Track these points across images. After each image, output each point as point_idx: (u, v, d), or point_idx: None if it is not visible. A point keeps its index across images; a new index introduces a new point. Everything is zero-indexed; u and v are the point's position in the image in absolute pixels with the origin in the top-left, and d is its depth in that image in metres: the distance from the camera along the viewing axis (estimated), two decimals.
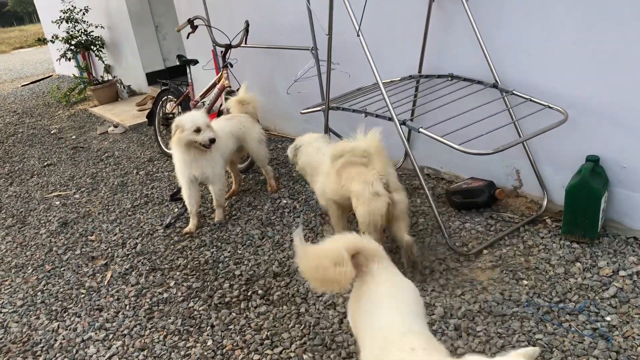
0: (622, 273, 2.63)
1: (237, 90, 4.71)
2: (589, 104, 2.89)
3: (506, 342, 2.33)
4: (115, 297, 3.19)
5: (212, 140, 3.52)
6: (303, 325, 2.67)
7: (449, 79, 3.49)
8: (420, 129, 2.84)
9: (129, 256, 3.63)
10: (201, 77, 6.22)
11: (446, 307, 2.61)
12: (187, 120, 3.51)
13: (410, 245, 2.75)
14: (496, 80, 3.19)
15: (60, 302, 3.24)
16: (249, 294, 3.00)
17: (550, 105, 2.92)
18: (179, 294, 3.11)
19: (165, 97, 5.53)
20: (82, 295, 3.27)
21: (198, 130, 3.49)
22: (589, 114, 2.91)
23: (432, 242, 3.16)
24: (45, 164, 6.06)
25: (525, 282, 2.70)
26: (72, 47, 8.84)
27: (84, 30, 8.86)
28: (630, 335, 2.26)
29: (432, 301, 2.67)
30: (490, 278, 2.77)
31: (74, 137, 7.08)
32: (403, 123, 2.94)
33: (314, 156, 3.16)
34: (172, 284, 3.23)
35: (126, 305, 3.09)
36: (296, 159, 3.30)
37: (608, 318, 2.37)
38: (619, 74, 2.72)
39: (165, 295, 3.12)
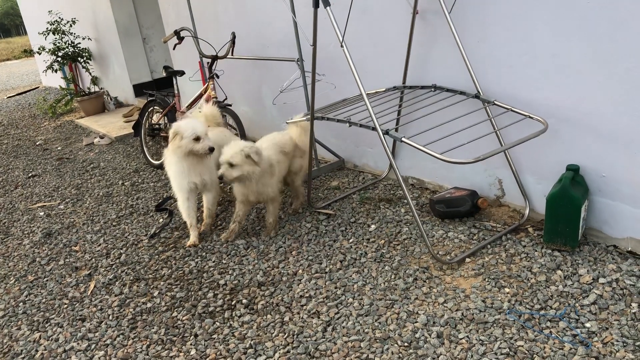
0: (601, 280, 2.66)
1: (224, 100, 4.73)
2: (569, 114, 2.95)
3: (488, 350, 2.35)
4: (99, 307, 3.17)
5: (212, 149, 3.48)
6: (287, 334, 2.67)
7: (433, 89, 3.54)
8: (403, 139, 2.87)
9: (113, 266, 3.61)
10: (188, 89, 6.25)
11: (429, 315, 2.62)
12: (187, 128, 3.44)
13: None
14: (478, 91, 3.24)
15: (42, 313, 3.21)
16: (233, 303, 2.99)
17: (531, 115, 2.97)
18: (163, 303, 3.10)
19: (152, 108, 5.54)
20: (65, 306, 3.24)
21: (197, 139, 3.45)
22: (568, 124, 2.97)
23: (415, 251, 3.18)
24: (30, 175, 6.02)
25: (507, 289, 2.72)
26: (59, 59, 8.83)
27: (71, 42, 8.86)
28: (609, 342, 2.28)
29: (416, 309, 2.68)
30: (472, 286, 2.79)
31: (59, 148, 7.04)
32: (386, 133, 2.97)
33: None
34: (155, 293, 3.21)
35: (109, 315, 3.07)
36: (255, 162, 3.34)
37: (588, 324, 2.40)
38: (597, 85, 2.78)
39: (148, 305, 3.11)
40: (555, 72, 2.94)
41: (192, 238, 3.68)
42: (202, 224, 3.85)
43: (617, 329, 2.35)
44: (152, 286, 3.30)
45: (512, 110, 3.05)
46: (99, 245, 3.96)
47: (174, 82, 5.27)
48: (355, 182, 4.36)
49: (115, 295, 3.26)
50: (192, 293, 3.15)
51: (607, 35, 2.66)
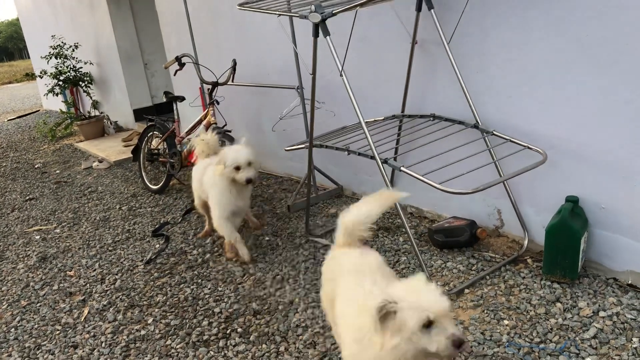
0: (602, 314, 2.63)
1: (224, 126, 4.74)
2: (568, 145, 2.95)
3: None
4: (92, 333, 3.12)
5: (249, 180, 3.45)
6: None
7: (431, 118, 3.55)
8: (402, 168, 2.86)
9: (108, 292, 3.56)
10: (188, 114, 6.27)
11: None
12: (229, 157, 3.45)
13: None
14: (477, 121, 3.25)
15: (34, 339, 3.15)
16: (228, 332, 2.95)
17: (530, 146, 2.97)
18: (157, 331, 3.05)
19: (151, 133, 5.55)
20: (57, 332, 3.19)
21: (238, 168, 3.45)
22: (568, 155, 2.97)
23: None
24: (27, 198, 6.00)
25: (506, 322, 2.68)
26: (60, 83, 8.88)
27: (73, 66, 8.93)
28: None
29: None
30: (471, 318, 2.76)
31: (57, 171, 7.03)
32: (385, 162, 2.97)
33: None
34: (150, 320, 3.16)
35: (102, 342, 3.02)
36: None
37: (588, 359, 2.36)
38: (596, 116, 2.79)
39: (142, 332, 3.06)
40: (554, 103, 2.95)
41: (245, 255, 3.65)
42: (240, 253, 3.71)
43: None
44: (146, 313, 3.25)
45: (511, 141, 3.06)
46: (94, 270, 3.92)
47: (174, 107, 5.29)
48: None
49: (109, 322, 3.21)
50: (187, 321, 3.11)
51: (606, 68, 2.68)
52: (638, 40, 2.53)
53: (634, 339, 2.43)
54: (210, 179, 3.69)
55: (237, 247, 3.68)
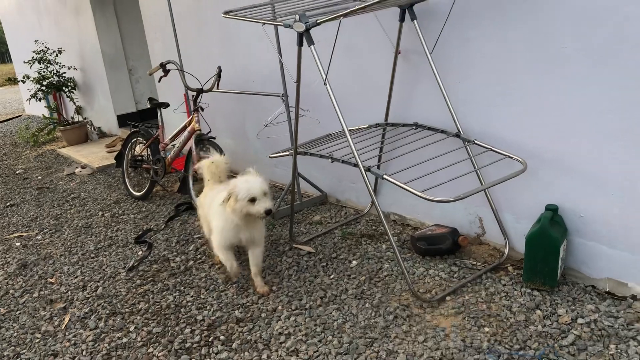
0: (580, 321, 2.67)
1: (208, 133, 4.75)
2: (548, 154, 3.00)
3: None
4: (72, 341, 3.09)
5: (268, 212, 3.06)
6: None
7: (414, 127, 3.59)
8: (385, 176, 2.89)
9: (89, 299, 3.54)
10: (172, 121, 6.26)
11: (409, 354, 2.60)
12: (242, 189, 3.07)
13: None
14: (459, 130, 3.29)
15: (13, 347, 3.12)
16: (210, 339, 2.94)
17: (510, 155, 3.02)
18: (139, 338, 3.03)
19: (135, 139, 5.52)
20: (37, 340, 3.15)
21: (253, 200, 3.07)
22: (548, 164, 3.02)
23: (396, 288, 3.17)
24: (8, 204, 5.93)
25: (486, 329, 2.71)
26: (43, 88, 8.80)
27: (57, 71, 8.86)
28: None
29: (395, 348, 2.66)
30: (452, 325, 2.78)
31: (39, 177, 6.97)
32: (368, 169, 3.00)
33: None
34: (132, 328, 3.15)
35: (83, 350, 3.00)
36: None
37: None
38: (575, 126, 2.84)
39: (124, 340, 3.04)
40: (535, 113, 3.00)
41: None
42: (255, 283, 3.39)
43: None
44: (128, 320, 3.24)
45: (492, 150, 3.10)
46: (76, 277, 3.88)
47: (158, 113, 5.28)
48: (338, 217, 4.36)
49: (90, 330, 3.18)
50: (169, 328, 3.10)
51: (585, 78, 2.74)
52: (615, 52, 2.59)
53: (611, 346, 2.48)
54: (216, 207, 3.32)
55: (230, 273, 3.37)
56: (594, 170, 2.82)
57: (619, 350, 2.45)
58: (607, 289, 2.90)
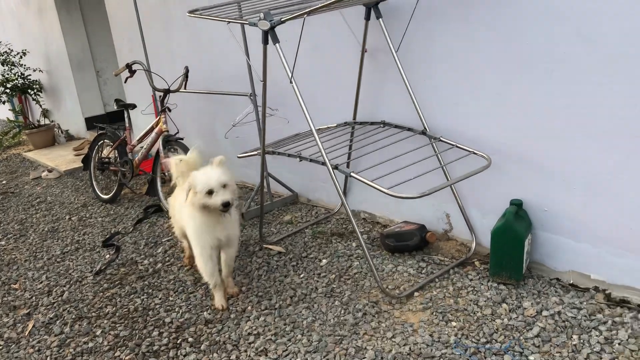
0: (545, 313, 2.71)
1: (176, 134, 4.70)
2: (512, 150, 3.04)
3: None
4: (36, 348, 3.02)
5: (226, 204, 2.94)
6: None
7: (382, 125, 3.60)
8: (352, 174, 2.89)
9: (55, 305, 3.46)
10: (141, 122, 6.18)
11: (377, 350, 2.61)
12: (199, 181, 2.96)
13: None
14: (425, 128, 3.32)
15: None
16: (178, 341, 2.91)
17: (475, 152, 3.05)
18: (105, 343, 2.98)
19: (102, 141, 5.44)
20: (0, 347, 3.08)
21: (211, 192, 2.96)
22: (512, 159, 3.06)
23: (365, 285, 3.18)
24: None
25: (454, 323, 2.74)
26: (8, 91, 8.61)
27: (21, 73, 8.67)
28: None
29: (364, 345, 2.66)
30: (420, 320, 2.80)
31: (4, 182, 6.81)
32: (336, 167, 3.00)
33: None
34: (98, 332, 3.09)
35: (47, 356, 2.93)
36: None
37: (531, 357, 2.43)
38: (538, 122, 2.89)
39: (90, 344, 2.99)
40: (498, 109, 3.04)
41: (219, 300, 3.19)
42: (227, 284, 3.33)
43: None
44: (95, 325, 3.18)
45: (457, 147, 3.13)
46: (41, 282, 3.80)
47: (125, 115, 5.21)
48: (308, 217, 4.36)
49: (55, 335, 3.12)
50: (137, 332, 3.05)
51: (547, 75, 2.78)
52: (575, 49, 2.64)
53: (574, 337, 2.52)
54: (183, 210, 3.22)
55: (214, 293, 3.22)
56: (558, 164, 2.87)
57: (581, 341, 2.49)
58: (571, 282, 2.96)
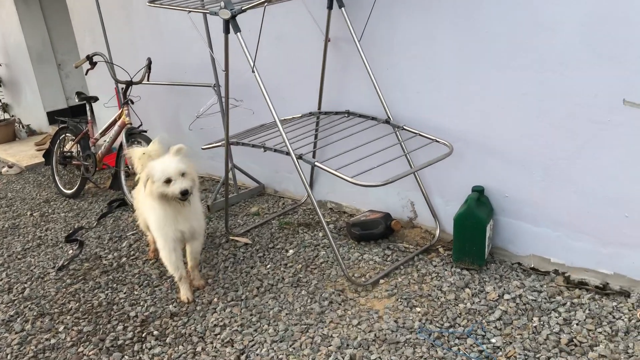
0: (506, 297, 2.77)
1: (139, 126, 4.62)
2: (473, 137, 3.09)
3: None
4: None
5: (184, 193, 2.87)
6: None
7: (346, 115, 3.61)
8: (316, 163, 2.90)
9: (15, 302, 3.39)
10: (105, 116, 6.07)
11: (343, 337, 2.62)
12: (157, 170, 2.89)
13: None
14: (388, 117, 3.34)
15: None
16: (143, 335, 2.88)
17: (437, 139, 3.08)
18: (68, 339, 2.93)
19: (64, 135, 5.32)
20: None
21: (169, 181, 2.88)
22: (473, 147, 3.10)
23: (332, 274, 3.19)
24: None
25: (418, 309, 2.77)
26: None
27: None
28: (512, 355, 2.37)
29: (330, 332, 2.68)
30: (385, 307, 2.83)
31: None
32: (300, 157, 2.99)
33: None
34: (61, 328, 3.03)
35: (7, 354, 2.87)
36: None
37: (493, 340, 2.48)
38: (498, 110, 2.93)
39: (52, 341, 2.93)
40: (460, 97, 3.08)
41: (185, 292, 3.15)
42: (193, 276, 3.28)
43: (520, 342, 2.44)
44: (57, 321, 3.12)
45: (420, 135, 3.16)
46: (1, 279, 3.71)
47: (87, 108, 5.10)
48: (275, 208, 4.35)
49: (16, 333, 3.05)
50: (101, 326, 3.01)
51: (506, 62, 2.83)
52: (533, 37, 2.68)
53: (534, 319, 2.58)
54: (143, 201, 3.18)
55: (180, 285, 3.18)
56: (517, 151, 2.93)
57: (541, 322, 2.55)
58: (532, 265, 3.02)
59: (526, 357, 2.34)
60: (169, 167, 2.88)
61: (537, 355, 2.35)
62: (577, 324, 2.51)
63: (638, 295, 2.64)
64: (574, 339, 2.42)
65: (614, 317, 2.53)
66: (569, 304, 2.66)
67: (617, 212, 2.66)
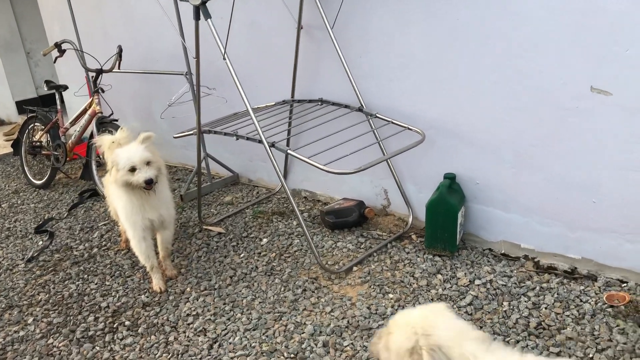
0: (477, 282, 2.81)
1: (110, 115, 4.55)
2: (445, 125, 3.11)
3: (372, 355, 2.39)
4: None
5: (149, 182, 2.83)
6: (171, 354, 2.57)
7: (319, 103, 3.60)
8: (288, 151, 2.89)
9: None
10: (77, 105, 5.94)
11: (316, 324, 2.63)
12: (122, 157, 2.85)
13: None
14: (361, 104, 3.34)
15: None
16: (115, 326, 2.85)
17: (410, 127, 3.10)
18: (38, 330, 2.89)
19: (33, 125, 5.21)
20: None
21: (133, 170, 2.84)
22: (445, 134, 3.12)
23: (305, 262, 3.20)
24: None
25: (391, 295, 2.79)
26: None
27: None
28: None
29: (303, 320, 2.68)
30: (359, 294, 2.84)
31: None
32: (272, 145, 2.98)
33: None
34: (30, 320, 2.99)
35: None
36: None
37: None
38: (469, 98, 2.95)
39: (21, 333, 2.88)
40: (431, 85, 3.09)
41: (157, 282, 3.11)
42: (164, 266, 3.25)
43: (490, 327, 2.47)
44: (26, 313, 3.07)
45: (392, 123, 3.17)
46: None
47: (57, 97, 5.00)
48: (250, 197, 4.33)
49: None
50: (71, 318, 2.97)
51: (476, 50, 2.84)
52: (503, 24, 2.70)
53: (504, 303, 2.62)
54: (110, 190, 3.17)
55: (152, 275, 3.13)
56: (488, 138, 2.95)
57: (511, 307, 2.59)
58: (503, 251, 3.07)
59: (496, 340, 2.38)
60: (134, 156, 2.85)
61: (507, 339, 2.39)
62: (545, 308, 2.56)
63: (604, 279, 2.70)
64: (542, 323, 2.47)
65: (581, 301, 2.58)
66: (538, 288, 2.71)
67: (585, 198, 2.71)
